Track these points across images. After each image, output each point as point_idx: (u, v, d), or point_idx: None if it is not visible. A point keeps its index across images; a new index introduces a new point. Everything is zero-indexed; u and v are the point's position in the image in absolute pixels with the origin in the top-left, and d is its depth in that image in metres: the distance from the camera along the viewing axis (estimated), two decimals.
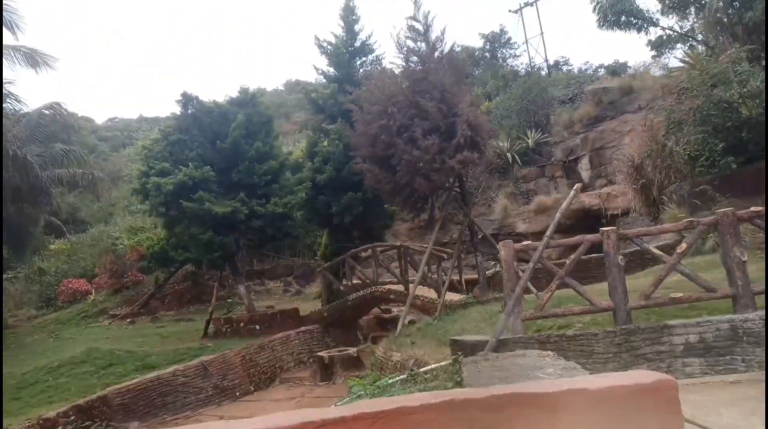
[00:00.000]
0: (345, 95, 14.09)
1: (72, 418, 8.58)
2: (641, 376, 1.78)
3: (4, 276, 23.40)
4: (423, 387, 6.29)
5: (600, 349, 5.96)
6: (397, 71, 11.77)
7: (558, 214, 6.51)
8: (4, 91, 17.64)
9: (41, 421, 8.50)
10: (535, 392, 1.68)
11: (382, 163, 11.23)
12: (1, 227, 10.98)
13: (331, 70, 14.89)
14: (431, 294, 12.12)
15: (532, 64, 32.87)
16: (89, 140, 40.79)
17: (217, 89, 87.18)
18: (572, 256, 6.45)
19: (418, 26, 11.46)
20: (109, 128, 47.87)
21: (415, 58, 11.31)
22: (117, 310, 20.65)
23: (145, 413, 9.60)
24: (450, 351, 7.30)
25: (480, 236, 11.95)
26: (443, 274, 12.18)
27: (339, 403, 6.35)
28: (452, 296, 11.72)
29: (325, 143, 14.53)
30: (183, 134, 13.53)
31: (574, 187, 7.06)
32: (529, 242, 7.36)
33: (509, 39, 36.52)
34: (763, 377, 4.69)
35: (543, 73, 30.63)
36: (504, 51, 36.75)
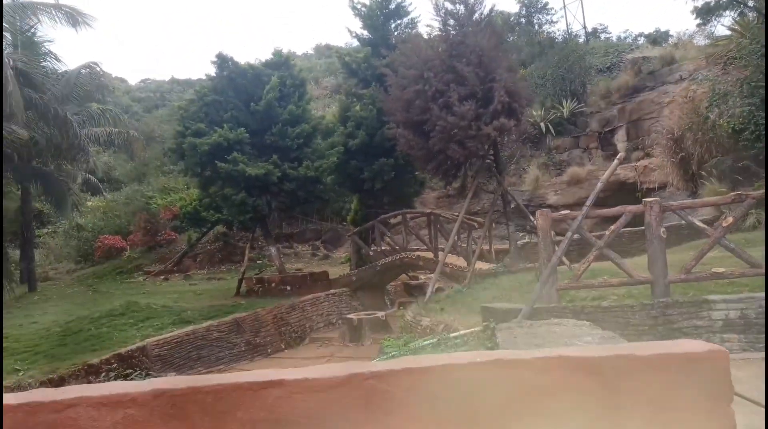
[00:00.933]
0: (379, 59, 13.90)
1: (114, 365, 9.02)
2: (692, 345, 1.74)
3: (45, 230, 24.38)
4: (453, 351, 6.38)
5: (636, 321, 5.93)
6: (433, 34, 11.52)
7: (599, 184, 6.39)
8: (44, 49, 17.99)
9: (86, 367, 8.98)
10: (583, 356, 1.67)
11: (416, 129, 11.12)
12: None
13: (365, 32, 14.65)
14: (461, 262, 12.17)
15: (570, 31, 31.70)
16: (123, 101, 41.40)
17: (247, 52, 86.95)
18: (612, 227, 6.36)
19: None
20: (141, 89, 48.41)
21: (452, 21, 11.03)
22: (151, 267, 21.35)
23: (181, 365, 10.02)
24: (481, 318, 7.36)
25: (512, 206, 11.84)
26: (473, 242, 12.18)
27: (378, 360, 6.52)
28: (482, 265, 11.73)
29: (358, 108, 14.44)
30: (218, 95, 13.60)
31: (617, 156, 6.91)
32: (567, 211, 7.28)
33: (546, 4, 35.15)
34: None
35: (580, 40, 29.53)
36: (540, 17, 35.41)
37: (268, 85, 13.36)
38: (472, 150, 10.38)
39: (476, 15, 10.93)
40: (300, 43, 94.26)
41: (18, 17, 13.94)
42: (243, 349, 11.00)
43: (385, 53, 13.33)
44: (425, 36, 11.88)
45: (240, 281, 14.20)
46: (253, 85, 13.71)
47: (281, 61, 14.30)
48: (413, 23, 14.47)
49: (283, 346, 11.65)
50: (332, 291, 13.66)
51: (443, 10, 11.01)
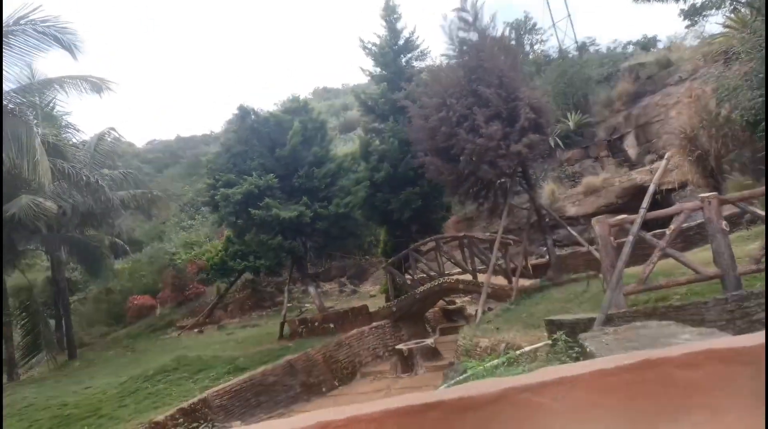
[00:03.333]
0: (394, 93, 14.34)
1: (180, 420, 9.03)
2: None
3: (75, 297, 24.56)
4: (526, 368, 6.42)
5: (711, 317, 5.93)
6: (451, 63, 11.93)
7: (652, 187, 6.55)
8: (64, 121, 18.62)
9: (152, 425, 8.98)
10: (734, 346, 1.59)
11: (443, 155, 11.41)
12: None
13: (378, 69, 15.15)
14: (500, 281, 12.23)
15: (562, 47, 32.49)
16: (133, 163, 42.30)
17: (250, 100, 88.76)
18: (673, 226, 6.46)
19: (467, 17, 11.60)
20: (149, 151, 49.42)
21: (467, 48, 11.45)
22: (183, 322, 21.43)
23: (243, 413, 10.01)
24: (546, 332, 7.39)
25: (547, 220, 11.99)
26: (510, 260, 12.28)
27: (446, 385, 6.55)
28: (522, 281, 11.79)
29: (377, 142, 14.81)
30: (243, 145, 14.00)
31: (665, 156, 7.09)
32: (624, 216, 7.40)
33: (534, 25, 36.17)
34: None
35: (571, 55, 30.21)
36: (530, 37, 36.39)
37: (291, 131, 13.77)
38: (503, 169, 10.62)
39: (489, 40, 11.36)
40: (299, 88, 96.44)
41: (40, 93, 14.50)
42: (299, 390, 10.98)
43: (401, 87, 13.76)
44: (440, 65, 12.30)
45: (282, 324, 14.25)
46: (276, 132, 14.12)
47: (300, 107, 14.77)
48: (423, 55, 14.99)
49: (337, 384, 11.62)
50: (374, 324, 13.68)
51: (457, 39, 11.45)
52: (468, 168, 10.84)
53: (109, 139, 18.08)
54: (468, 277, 13.39)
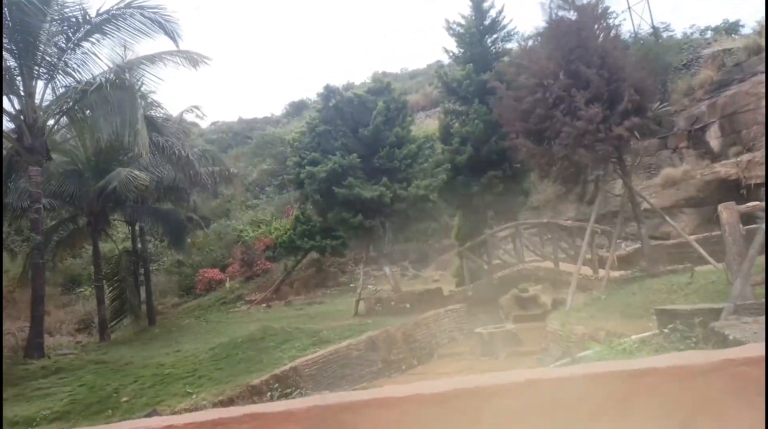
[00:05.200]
0: (479, 74, 14.12)
1: (275, 386, 9.35)
2: None
3: (150, 267, 25.82)
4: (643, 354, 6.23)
5: None
6: (547, 42, 11.60)
7: None
8: (150, 99, 19.43)
9: (249, 388, 9.35)
10: None
11: (536, 137, 11.14)
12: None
13: (462, 50, 14.93)
14: (585, 270, 11.93)
15: (637, 32, 31.04)
16: (198, 143, 43.86)
17: (307, 86, 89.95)
18: None
19: None
20: (213, 131, 51.00)
21: (566, 27, 11.08)
22: (252, 296, 22.15)
23: (329, 384, 10.25)
24: (657, 321, 7.14)
25: (642, 208, 11.57)
26: (597, 249, 11.94)
27: (555, 364, 6.47)
28: (608, 272, 11.44)
29: (456, 125, 14.66)
30: (327, 125, 14.19)
31: None
32: (756, 203, 7.04)
33: (607, 8, 34.66)
34: None
35: (642, 42, 28.79)
36: (602, 22, 34.94)
37: (375, 111, 13.83)
38: (603, 153, 10.27)
39: (590, 18, 10.96)
40: (358, 74, 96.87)
41: (137, 70, 15.13)
42: (380, 366, 11.14)
43: (487, 68, 13.54)
44: (534, 44, 11.98)
45: (357, 301, 14.47)
46: (359, 112, 14.22)
47: (383, 87, 14.80)
48: (509, 36, 14.66)
49: (416, 363, 11.72)
50: (450, 307, 13.67)
51: (556, 18, 11.11)
52: (563, 151, 10.55)
53: (190, 117, 18.70)
54: (548, 264, 13.16)
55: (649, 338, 7.02)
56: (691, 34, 29.90)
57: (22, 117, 12.82)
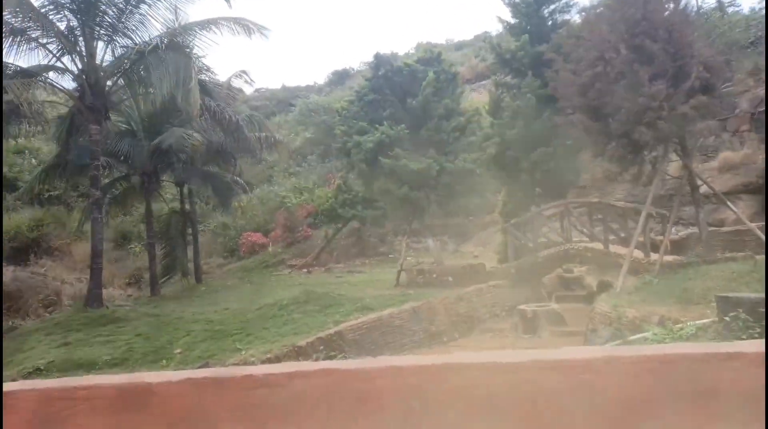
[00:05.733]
0: (534, 46, 13.68)
1: (321, 348, 9.62)
2: None
3: (198, 228, 26.70)
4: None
5: None
6: (610, 14, 11.09)
7: None
8: (200, 63, 19.72)
9: (295, 348, 9.65)
10: None
11: (594, 113, 10.79)
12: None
13: (517, 20, 14.45)
14: (636, 253, 11.62)
15: (700, 7, 29.22)
16: (243, 109, 44.49)
17: (352, 56, 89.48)
18: None
19: None
20: (256, 98, 51.55)
21: None
22: (293, 261, 22.65)
23: (372, 350, 10.46)
24: (717, 309, 6.92)
25: (702, 191, 11.12)
26: (650, 232, 11.60)
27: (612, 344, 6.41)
28: (662, 255, 11.13)
29: (508, 98, 14.31)
30: (376, 94, 14.12)
31: None
32: None
33: None
34: None
35: (707, 18, 27.08)
36: None
37: (425, 81, 13.64)
38: (664, 132, 9.87)
39: None
40: (401, 44, 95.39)
41: (190, 34, 15.33)
42: (422, 336, 11.29)
43: (544, 39, 13.08)
44: (596, 15, 11.48)
45: (399, 272, 14.60)
46: (408, 82, 14.07)
47: (433, 57, 14.54)
48: (567, 7, 14.08)
49: (457, 336, 11.81)
50: (492, 282, 13.63)
51: None
52: (622, 129, 10.19)
53: (238, 83, 18.92)
54: (597, 245, 12.88)
55: (707, 325, 6.84)
56: (759, 9, 27.96)
57: (84, 76, 13.24)
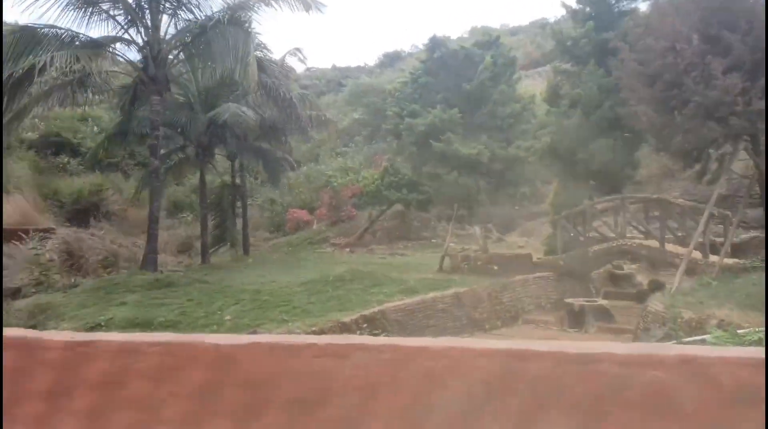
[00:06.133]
0: (598, 34, 13.18)
1: (364, 325, 9.77)
2: None
3: (247, 202, 27.43)
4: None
5: None
6: (682, 2, 10.55)
7: None
8: (258, 40, 20.01)
9: (339, 324, 9.83)
10: None
11: (660, 106, 10.36)
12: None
13: (581, 6, 13.94)
14: (694, 254, 11.19)
15: None
16: (293, 88, 44.98)
17: (406, 39, 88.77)
18: None
19: None
20: (307, 77, 51.92)
21: None
22: (336, 240, 22.96)
23: (414, 331, 10.53)
24: None
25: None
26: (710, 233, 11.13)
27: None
28: (715, 258, 10.69)
29: (567, 86, 13.90)
30: (430, 77, 13.98)
31: None
32: None
33: None
34: None
35: None
36: None
37: (482, 65, 13.41)
38: (737, 128, 9.38)
39: None
40: (455, 28, 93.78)
41: (248, 10, 15.54)
42: (464, 322, 11.28)
43: (609, 27, 12.58)
44: (669, 2, 10.94)
45: (443, 257, 14.57)
46: (463, 66, 13.85)
47: (491, 41, 14.25)
48: None
49: (499, 324, 11.74)
50: (538, 274, 13.44)
51: None
52: (690, 123, 9.75)
53: (291, 61, 19.09)
54: (652, 243, 12.47)
55: None
56: None
57: (148, 48, 13.67)
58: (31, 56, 11.44)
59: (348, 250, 21.28)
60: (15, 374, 1.96)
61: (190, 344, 2.03)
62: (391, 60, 47.08)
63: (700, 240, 11.04)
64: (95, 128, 25.66)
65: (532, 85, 25.03)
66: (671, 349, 2.02)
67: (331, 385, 1.93)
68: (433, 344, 2.10)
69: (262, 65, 16.04)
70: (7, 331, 2.11)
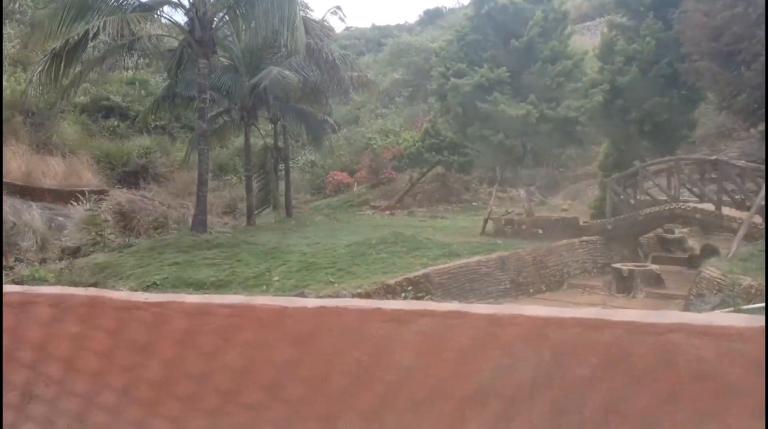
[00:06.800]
0: None
1: (409, 288, 9.86)
2: None
3: (289, 164, 27.74)
4: None
5: None
6: None
7: None
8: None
9: (384, 286, 9.96)
10: None
11: (726, 60, 9.71)
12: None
13: None
14: (755, 218, 10.65)
15: None
16: (334, 48, 44.43)
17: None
18: None
19: None
20: (346, 37, 51.13)
21: None
22: (376, 202, 23.06)
23: (457, 295, 10.57)
24: None
25: None
26: None
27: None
28: None
29: (622, 41, 13.15)
30: (477, 34, 13.47)
31: None
32: None
33: None
34: None
35: None
36: None
37: (532, 21, 12.79)
38: None
39: None
40: None
41: None
42: (508, 286, 11.22)
43: None
44: None
45: (486, 220, 14.42)
46: (512, 22, 13.25)
47: None
48: None
49: (544, 289, 11.62)
50: (585, 238, 13.14)
51: None
52: (758, 79, 9.10)
53: (331, 20, 18.72)
54: (707, 206, 11.92)
55: None
56: None
57: (194, 10, 13.68)
58: (83, 22, 11.66)
59: (388, 212, 21.37)
60: (117, 332, 2.13)
61: (258, 307, 2.08)
62: (432, 17, 45.66)
63: (762, 203, 10.47)
64: (142, 92, 26.23)
65: (582, 40, 23.83)
66: (754, 320, 1.93)
67: (395, 348, 1.95)
68: (501, 311, 2.06)
69: (306, 26, 15.85)
70: (105, 293, 2.24)
